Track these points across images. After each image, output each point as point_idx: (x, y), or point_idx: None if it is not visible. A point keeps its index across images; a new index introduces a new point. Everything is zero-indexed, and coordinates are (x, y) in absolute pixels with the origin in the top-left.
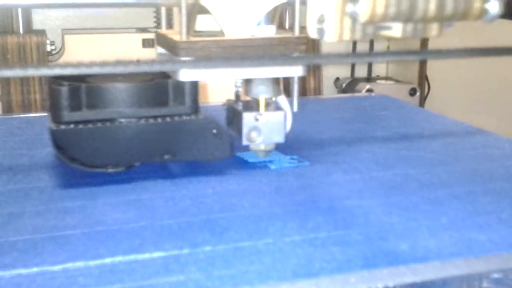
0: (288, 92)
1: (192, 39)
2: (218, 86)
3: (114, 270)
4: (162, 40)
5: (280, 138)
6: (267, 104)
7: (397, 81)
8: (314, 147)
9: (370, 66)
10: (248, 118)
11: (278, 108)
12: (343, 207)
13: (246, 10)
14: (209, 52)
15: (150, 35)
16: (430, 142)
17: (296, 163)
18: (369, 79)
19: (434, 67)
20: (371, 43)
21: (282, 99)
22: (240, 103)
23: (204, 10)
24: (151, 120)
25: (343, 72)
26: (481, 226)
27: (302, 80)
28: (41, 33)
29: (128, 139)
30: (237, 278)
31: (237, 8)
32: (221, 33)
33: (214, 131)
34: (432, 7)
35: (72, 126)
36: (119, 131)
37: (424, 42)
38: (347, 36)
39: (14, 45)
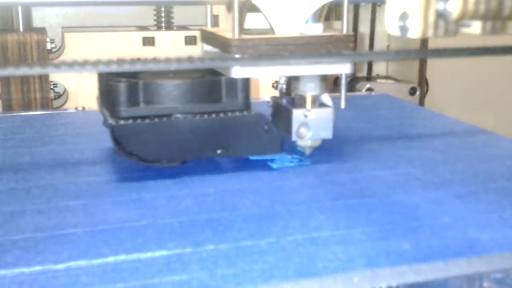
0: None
1: (244, 36)
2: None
3: (117, 269)
4: (210, 38)
5: (328, 134)
6: (313, 101)
7: (397, 80)
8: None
9: (370, 65)
10: (297, 114)
11: (323, 104)
12: (345, 206)
13: (295, 8)
14: (260, 49)
15: (150, 34)
16: (431, 141)
17: (298, 162)
18: (369, 78)
19: (433, 67)
20: (371, 44)
21: (326, 97)
22: (285, 100)
23: (253, 8)
24: (205, 116)
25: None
26: (483, 225)
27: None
28: (41, 31)
29: (183, 134)
30: (240, 277)
31: (286, 6)
32: (270, 31)
33: (266, 127)
34: None
35: (130, 121)
36: (175, 126)
37: (424, 41)
38: (430, 33)
39: (14, 43)
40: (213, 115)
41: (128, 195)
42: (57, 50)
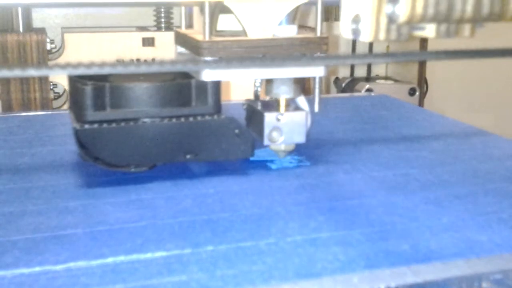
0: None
1: (215, 38)
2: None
3: (116, 270)
4: (182, 39)
5: (301, 138)
6: (287, 104)
7: (396, 81)
8: (314, 147)
9: (369, 66)
10: (269, 118)
11: (297, 108)
12: (344, 207)
13: (268, 10)
14: (231, 52)
15: (150, 34)
16: (430, 142)
17: (297, 163)
18: (368, 79)
19: (432, 67)
20: (371, 44)
21: (301, 99)
22: (260, 103)
23: (226, 10)
24: (174, 120)
25: (343, 71)
26: (482, 226)
27: (302, 80)
28: (41, 31)
29: (151, 138)
30: (240, 278)
31: (259, 8)
32: (243, 33)
33: (237, 131)
34: (469, 8)
35: (96, 125)
36: (143, 130)
37: (424, 43)
38: (382, 36)
39: (14, 43)
40: (182, 119)
41: (127, 196)
42: (57, 51)
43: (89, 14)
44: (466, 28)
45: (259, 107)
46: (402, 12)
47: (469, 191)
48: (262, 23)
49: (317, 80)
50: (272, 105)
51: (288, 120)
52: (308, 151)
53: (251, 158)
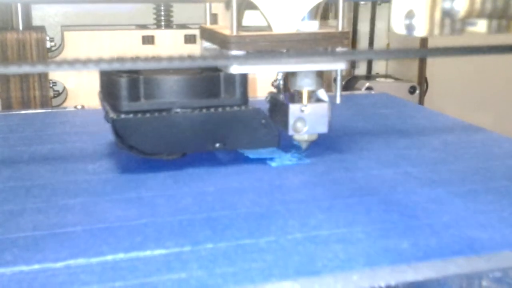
0: None
1: (242, 33)
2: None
3: (116, 267)
4: (209, 34)
5: (323, 129)
6: (309, 97)
7: (396, 79)
8: (314, 145)
9: (369, 64)
10: (294, 109)
11: (319, 100)
12: (344, 205)
13: (292, 6)
14: (258, 45)
15: (150, 32)
16: (430, 140)
17: (297, 160)
18: (368, 77)
19: (432, 66)
20: (371, 42)
21: (322, 92)
22: (282, 95)
23: (251, 6)
24: (204, 111)
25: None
26: (482, 224)
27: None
28: (41, 29)
29: (183, 128)
30: (239, 276)
31: (283, 4)
32: (267, 28)
33: (263, 121)
34: None
35: (131, 115)
36: (175, 120)
37: (424, 40)
38: (436, 31)
39: (13, 41)
40: (212, 110)
41: (127, 194)
42: (56, 49)
43: (88, 12)
44: None
45: (282, 99)
46: (461, 7)
47: (470, 189)
48: (286, 19)
49: (338, 72)
50: (295, 97)
51: (311, 111)
52: (308, 149)
53: (251, 156)
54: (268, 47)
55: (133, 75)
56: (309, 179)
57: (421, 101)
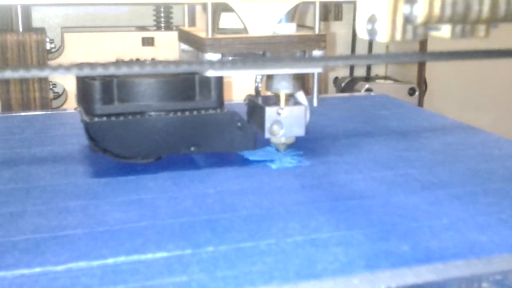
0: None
1: (217, 36)
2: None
3: (117, 271)
4: (186, 37)
5: (300, 131)
6: (287, 99)
7: (396, 80)
8: (314, 147)
9: (369, 66)
10: (270, 112)
11: (297, 103)
12: (344, 207)
13: (268, 8)
14: (233, 48)
15: (150, 34)
16: (430, 142)
17: (297, 163)
18: (368, 78)
19: (432, 67)
20: (370, 43)
21: (301, 95)
22: (260, 98)
23: (227, 8)
24: (179, 114)
25: (342, 71)
26: (482, 227)
27: (301, 76)
28: (41, 31)
29: (157, 131)
30: (240, 279)
31: (259, 6)
32: (244, 30)
33: (239, 124)
34: (486, 8)
35: (104, 118)
36: (149, 123)
37: (423, 44)
38: (398, 36)
39: (13, 43)
40: (187, 113)
41: (128, 196)
42: (56, 50)
43: (88, 14)
44: (481, 29)
45: (260, 102)
46: (420, 13)
47: (469, 191)
48: (262, 21)
49: (315, 75)
50: (273, 100)
51: (288, 114)
52: (308, 151)
53: (251, 158)
54: (244, 49)
55: (106, 78)
56: (309, 182)
57: (420, 103)
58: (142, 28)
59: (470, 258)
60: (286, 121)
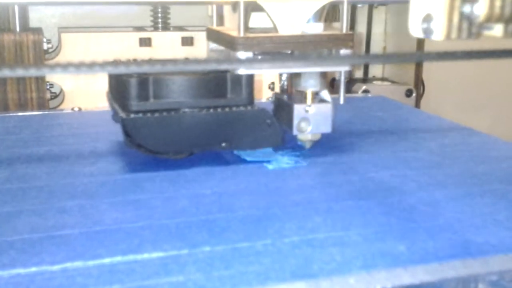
0: None
1: (249, 35)
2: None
3: (113, 270)
4: (216, 36)
5: (327, 128)
6: (313, 97)
7: (393, 82)
8: (311, 148)
9: (366, 67)
10: (298, 109)
11: (322, 100)
12: (341, 208)
13: (297, 8)
14: (264, 47)
15: (147, 34)
16: (427, 143)
17: (294, 163)
18: (365, 80)
19: (429, 69)
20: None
21: (325, 93)
22: (287, 96)
23: (258, 8)
24: (211, 110)
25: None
26: (479, 227)
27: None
28: (38, 31)
29: (190, 127)
30: (236, 279)
31: (289, 6)
32: (273, 30)
33: (268, 121)
34: None
35: (140, 115)
36: (183, 120)
37: (420, 44)
38: (454, 35)
39: (10, 43)
40: (219, 110)
41: (124, 196)
42: (53, 51)
43: (86, 14)
44: None
45: (287, 100)
46: (481, 12)
47: (466, 192)
48: (291, 21)
49: (342, 74)
50: (299, 98)
51: (315, 111)
52: (305, 152)
53: (248, 159)
54: (274, 48)
55: (142, 75)
56: (306, 182)
57: (417, 104)
58: (140, 29)
59: (466, 258)
60: (313, 118)
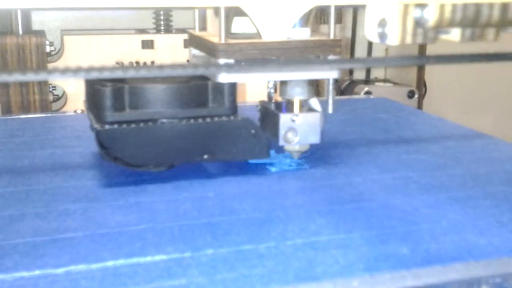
0: None
1: (230, 41)
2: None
3: (117, 273)
4: (197, 42)
5: (315, 139)
6: (301, 106)
7: (395, 83)
8: (313, 150)
9: (368, 69)
10: (285, 119)
11: (311, 109)
12: (343, 210)
13: (282, 13)
14: (247, 54)
15: (149, 37)
16: (429, 145)
17: (296, 166)
18: (367, 81)
19: (431, 70)
20: (369, 46)
21: (314, 101)
22: (274, 104)
23: (240, 13)
24: (192, 121)
25: (341, 74)
26: (482, 230)
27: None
28: (40, 34)
29: (170, 139)
30: (240, 282)
31: (273, 11)
32: (257, 35)
33: (253, 131)
34: (496, 12)
35: (115, 126)
36: (161, 131)
37: (422, 47)
38: (409, 39)
39: (13, 45)
40: (200, 120)
41: (127, 199)
42: (56, 53)
43: (88, 16)
44: (491, 33)
45: (273, 108)
46: (431, 17)
47: (469, 194)
48: (276, 26)
49: (330, 81)
50: (286, 106)
51: (303, 121)
52: (307, 154)
53: (251, 161)
54: (258, 55)
55: (118, 84)
56: (309, 184)
57: (419, 106)
58: (142, 31)
59: (469, 261)
60: (301, 128)
